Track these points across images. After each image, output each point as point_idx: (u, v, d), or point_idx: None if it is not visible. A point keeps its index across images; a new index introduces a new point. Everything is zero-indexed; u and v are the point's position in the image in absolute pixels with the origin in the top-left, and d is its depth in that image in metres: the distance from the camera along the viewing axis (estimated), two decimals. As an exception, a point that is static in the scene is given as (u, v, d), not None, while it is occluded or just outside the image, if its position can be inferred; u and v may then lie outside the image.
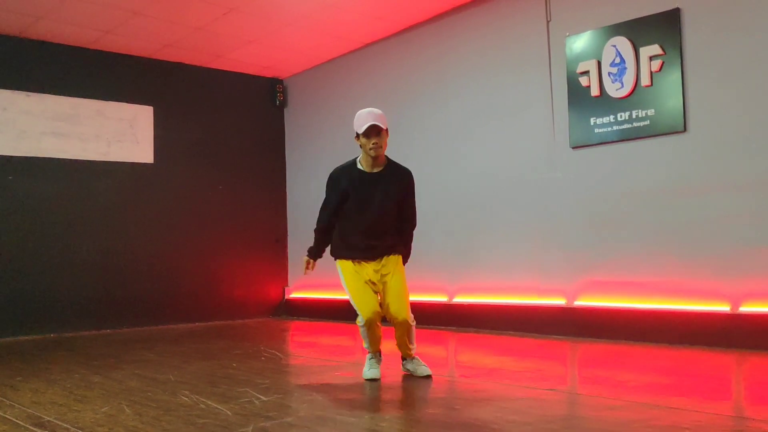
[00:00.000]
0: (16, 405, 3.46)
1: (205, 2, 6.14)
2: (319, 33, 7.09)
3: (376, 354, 3.99)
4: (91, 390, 3.82)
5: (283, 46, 7.46)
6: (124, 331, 7.22)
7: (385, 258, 3.91)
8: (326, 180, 3.95)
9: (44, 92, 7.04)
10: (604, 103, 5.49)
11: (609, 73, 5.47)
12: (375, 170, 3.85)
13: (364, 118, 3.75)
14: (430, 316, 6.71)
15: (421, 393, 3.64)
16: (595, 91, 5.54)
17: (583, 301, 5.58)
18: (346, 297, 3.96)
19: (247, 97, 8.48)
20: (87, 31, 6.80)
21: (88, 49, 7.28)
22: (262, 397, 3.49)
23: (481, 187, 6.41)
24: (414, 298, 6.85)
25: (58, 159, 7.10)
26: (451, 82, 6.73)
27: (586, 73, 5.60)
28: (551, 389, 3.62)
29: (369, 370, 3.93)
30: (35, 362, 5.05)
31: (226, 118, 8.24)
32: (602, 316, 5.44)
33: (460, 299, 6.52)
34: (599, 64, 5.53)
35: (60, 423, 3.03)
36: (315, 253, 4.01)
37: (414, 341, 4.00)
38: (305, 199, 8.32)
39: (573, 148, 5.69)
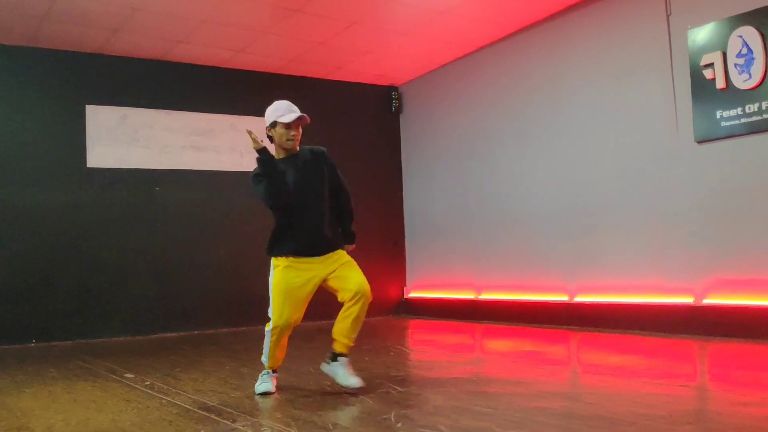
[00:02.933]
0: (182, 392, 3.89)
1: (328, 18, 6.52)
2: (433, 40, 7.31)
3: (272, 371, 3.84)
4: (244, 380, 4.23)
5: (397, 54, 7.74)
6: (258, 328, 7.71)
7: (327, 255, 3.76)
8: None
9: (184, 110, 7.71)
10: (731, 95, 5.35)
11: (735, 65, 5.32)
12: (289, 155, 3.70)
13: (287, 107, 3.60)
14: (550, 316, 6.78)
15: (548, 387, 3.76)
16: (720, 84, 5.41)
17: (712, 300, 5.45)
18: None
19: (364, 106, 8.84)
20: (221, 52, 7.37)
21: (221, 68, 7.88)
22: (398, 388, 3.74)
23: (601, 185, 6.39)
24: (533, 297, 7.06)
25: (197, 171, 7.75)
26: (566, 82, 6.74)
27: (710, 65, 5.48)
28: (682, 385, 3.63)
29: (261, 384, 3.73)
30: (188, 356, 5.58)
31: (345, 127, 8.61)
32: (733, 314, 5.29)
33: (581, 298, 6.52)
34: (724, 55, 5.38)
35: (224, 408, 3.41)
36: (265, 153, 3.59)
37: (357, 331, 3.68)
38: (421, 203, 8.59)
39: (698, 142, 5.57)
